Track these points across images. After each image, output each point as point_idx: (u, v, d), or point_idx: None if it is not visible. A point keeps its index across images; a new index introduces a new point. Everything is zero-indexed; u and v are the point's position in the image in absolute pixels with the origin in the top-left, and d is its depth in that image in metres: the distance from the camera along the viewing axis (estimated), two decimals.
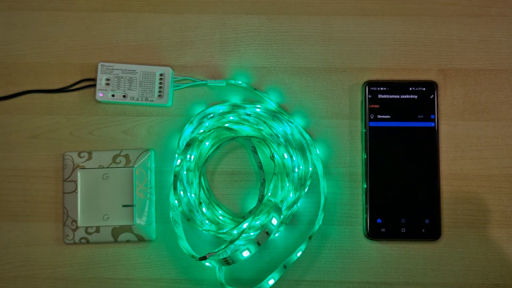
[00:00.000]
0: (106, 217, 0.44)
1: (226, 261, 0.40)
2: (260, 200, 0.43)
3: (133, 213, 0.44)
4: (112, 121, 0.46)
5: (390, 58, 0.46)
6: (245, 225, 0.42)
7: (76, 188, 0.44)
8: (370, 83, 0.45)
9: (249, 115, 0.45)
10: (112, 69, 0.45)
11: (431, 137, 0.44)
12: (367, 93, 0.45)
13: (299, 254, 0.43)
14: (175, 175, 0.43)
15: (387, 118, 0.44)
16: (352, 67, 0.46)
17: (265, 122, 0.45)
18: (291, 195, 0.44)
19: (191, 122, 0.45)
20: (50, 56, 0.47)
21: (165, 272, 0.45)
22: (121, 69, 0.45)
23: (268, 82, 0.46)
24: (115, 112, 0.46)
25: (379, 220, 0.44)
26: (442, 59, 0.46)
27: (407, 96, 0.45)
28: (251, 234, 0.43)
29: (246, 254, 0.40)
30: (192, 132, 0.45)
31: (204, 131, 0.45)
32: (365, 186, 0.44)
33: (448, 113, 0.45)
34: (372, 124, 0.44)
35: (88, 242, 0.44)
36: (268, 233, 0.40)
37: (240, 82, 0.46)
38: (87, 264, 0.45)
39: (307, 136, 0.45)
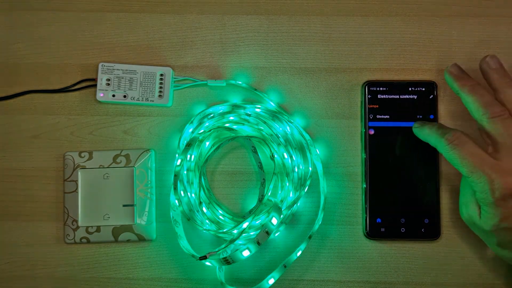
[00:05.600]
0: (107, 216, 0.44)
1: (226, 261, 0.40)
2: (260, 200, 0.43)
3: (133, 212, 0.44)
4: (112, 121, 0.46)
5: (390, 58, 0.46)
6: (245, 225, 0.42)
7: (77, 188, 0.45)
8: (369, 83, 0.45)
9: (249, 115, 0.45)
10: (113, 69, 0.46)
11: None
12: (366, 93, 0.45)
13: (299, 253, 0.43)
14: (175, 175, 0.43)
15: (387, 118, 0.45)
16: (352, 67, 0.46)
17: (265, 122, 0.45)
18: (291, 195, 0.44)
19: (191, 122, 0.45)
20: (50, 56, 0.47)
21: (165, 271, 0.45)
22: (121, 69, 0.46)
23: (268, 82, 0.46)
24: (115, 112, 0.46)
25: (378, 220, 0.44)
26: (441, 60, 0.46)
27: (407, 96, 0.45)
28: (251, 233, 0.43)
29: (246, 253, 0.40)
30: (192, 132, 0.45)
31: (204, 131, 0.45)
32: (365, 186, 0.44)
33: (447, 113, 0.45)
34: (372, 124, 0.44)
35: (88, 241, 0.44)
36: (268, 233, 0.40)
37: (240, 82, 0.46)
38: (87, 264, 0.45)
39: (307, 136, 0.45)
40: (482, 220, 0.38)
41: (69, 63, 0.47)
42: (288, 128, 0.45)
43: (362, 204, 0.45)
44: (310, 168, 0.45)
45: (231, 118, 0.45)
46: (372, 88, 0.45)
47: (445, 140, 0.39)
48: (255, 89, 0.46)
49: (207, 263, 0.43)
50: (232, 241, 0.41)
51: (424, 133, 0.41)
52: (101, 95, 0.46)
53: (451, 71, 0.41)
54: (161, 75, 0.46)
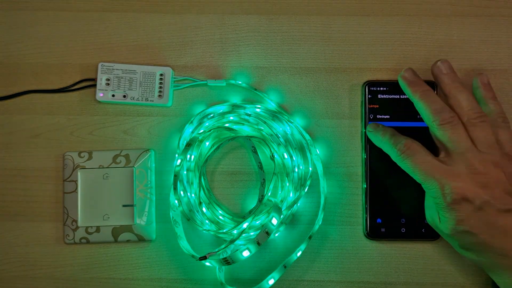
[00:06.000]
0: (106, 217, 0.44)
1: (226, 261, 0.40)
2: (260, 200, 0.43)
3: (133, 213, 0.44)
4: (112, 121, 0.46)
5: (390, 58, 0.46)
6: (245, 225, 0.42)
7: (76, 188, 0.45)
8: (369, 83, 0.45)
9: (249, 115, 0.45)
10: (112, 69, 0.46)
11: (431, 137, 0.44)
12: (366, 93, 0.45)
13: (299, 254, 0.43)
14: (175, 175, 0.43)
15: (387, 118, 0.44)
16: (352, 67, 0.46)
17: (265, 122, 0.45)
18: (291, 195, 0.44)
19: (191, 122, 0.45)
20: (50, 56, 0.47)
21: (165, 272, 0.45)
22: (121, 69, 0.46)
23: (268, 82, 0.46)
24: (115, 112, 0.46)
25: (379, 220, 0.44)
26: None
27: (407, 96, 0.45)
28: (251, 234, 0.43)
29: (246, 254, 0.40)
30: (192, 132, 0.45)
31: (204, 131, 0.45)
32: (365, 186, 0.44)
33: None
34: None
35: (88, 242, 0.44)
36: (268, 233, 0.40)
37: (240, 82, 0.46)
38: (87, 264, 0.45)
39: (307, 136, 0.45)
40: (442, 224, 0.39)
41: (68, 63, 0.47)
42: (288, 128, 0.45)
43: (363, 204, 0.45)
44: (310, 168, 0.45)
45: (231, 118, 0.45)
46: (372, 88, 0.45)
47: (397, 151, 0.40)
48: (255, 89, 0.46)
49: (207, 264, 0.43)
50: (232, 241, 0.41)
51: (377, 139, 0.42)
52: (101, 95, 0.45)
53: (405, 76, 0.41)
54: (161, 75, 0.46)
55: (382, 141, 0.42)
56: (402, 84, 0.42)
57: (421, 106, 0.40)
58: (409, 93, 0.41)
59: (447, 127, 0.39)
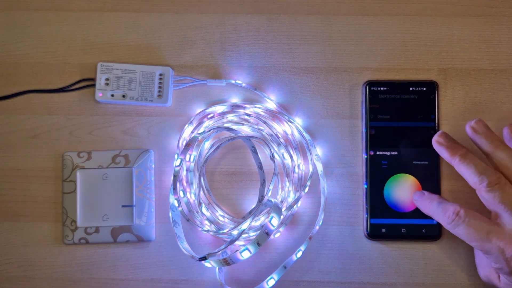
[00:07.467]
0: (106, 217, 0.44)
1: (226, 262, 0.40)
2: (260, 200, 0.43)
3: (132, 213, 0.44)
4: (111, 121, 0.46)
5: (390, 58, 0.46)
6: (245, 226, 0.42)
7: (76, 188, 0.44)
8: (370, 83, 0.45)
9: (249, 115, 0.45)
10: (112, 69, 0.45)
11: (431, 137, 0.44)
12: (367, 93, 0.45)
13: (299, 254, 0.43)
14: (174, 175, 0.43)
15: (387, 118, 0.44)
16: (352, 67, 0.46)
17: (265, 122, 0.45)
18: (291, 195, 0.44)
19: (191, 122, 0.45)
20: (49, 56, 0.47)
21: (164, 272, 0.45)
22: (120, 69, 0.45)
23: (268, 82, 0.46)
24: (114, 112, 0.46)
25: (379, 220, 0.44)
26: (442, 59, 0.46)
27: (407, 96, 0.45)
28: (251, 234, 0.43)
29: (246, 254, 0.40)
30: (192, 132, 0.45)
31: (204, 131, 0.45)
32: (365, 186, 0.44)
33: (448, 113, 0.45)
34: (373, 124, 0.44)
35: (87, 242, 0.44)
36: (268, 234, 0.40)
37: (240, 82, 0.46)
38: (86, 265, 0.45)
39: (307, 136, 0.45)
40: (503, 285, 0.38)
41: (68, 63, 0.47)
42: (288, 128, 0.45)
43: (363, 204, 0.45)
44: (311, 169, 0.44)
45: (231, 118, 0.45)
46: (372, 88, 0.45)
47: (447, 219, 0.38)
48: (255, 89, 0.46)
49: (207, 264, 0.42)
50: (231, 242, 0.41)
51: (425, 207, 0.41)
52: (100, 95, 0.45)
53: (439, 141, 0.41)
54: (161, 74, 0.45)
55: (430, 209, 0.40)
56: (438, 149, 0.41)
57: (462, 170, 0.39)
58: (447, 157, 0.40)
59: (495, 188, 0.37)
